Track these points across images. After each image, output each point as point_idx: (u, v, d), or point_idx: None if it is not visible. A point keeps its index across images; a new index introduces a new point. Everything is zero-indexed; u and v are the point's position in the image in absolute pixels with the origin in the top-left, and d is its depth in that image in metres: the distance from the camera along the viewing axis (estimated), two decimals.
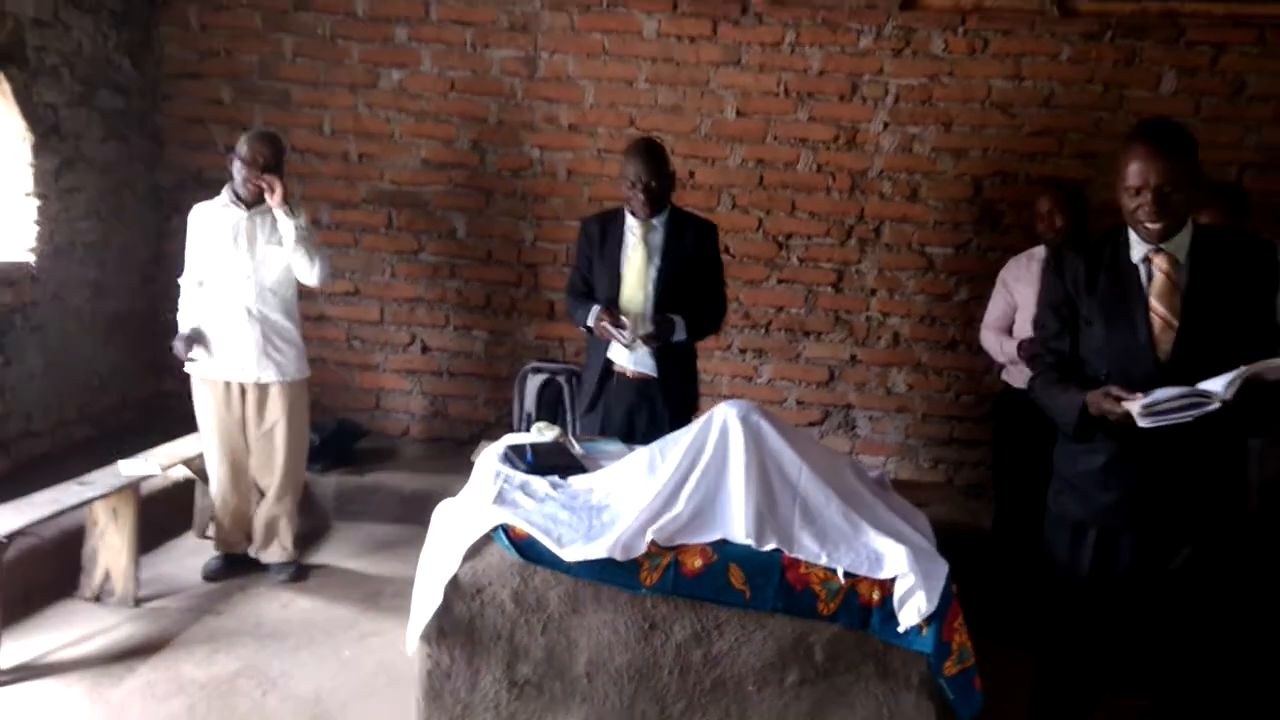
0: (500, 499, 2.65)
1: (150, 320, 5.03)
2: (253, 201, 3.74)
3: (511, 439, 3.21)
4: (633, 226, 3.49)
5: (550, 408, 4.68)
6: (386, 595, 3.80)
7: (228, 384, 3.78)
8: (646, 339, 3.36)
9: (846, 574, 2.41)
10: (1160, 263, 2.39)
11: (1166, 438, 2.27)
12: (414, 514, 4.28)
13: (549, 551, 2.45)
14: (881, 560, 2.44)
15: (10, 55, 3.98)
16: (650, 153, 3.44)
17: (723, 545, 2.48)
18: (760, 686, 2.43)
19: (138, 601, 3.59)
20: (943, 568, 2.42)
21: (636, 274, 3.45)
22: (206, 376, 3.79)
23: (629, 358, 3.48)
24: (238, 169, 3.68)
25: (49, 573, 3.57)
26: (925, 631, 2.35)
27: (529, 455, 2.94)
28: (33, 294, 4.20)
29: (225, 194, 3.77)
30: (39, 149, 4.18)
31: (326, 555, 4.21)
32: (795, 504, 2.57)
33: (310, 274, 3.75)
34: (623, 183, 3.47)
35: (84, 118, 4.49)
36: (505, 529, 2.51)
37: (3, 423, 4.07)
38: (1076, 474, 2.55)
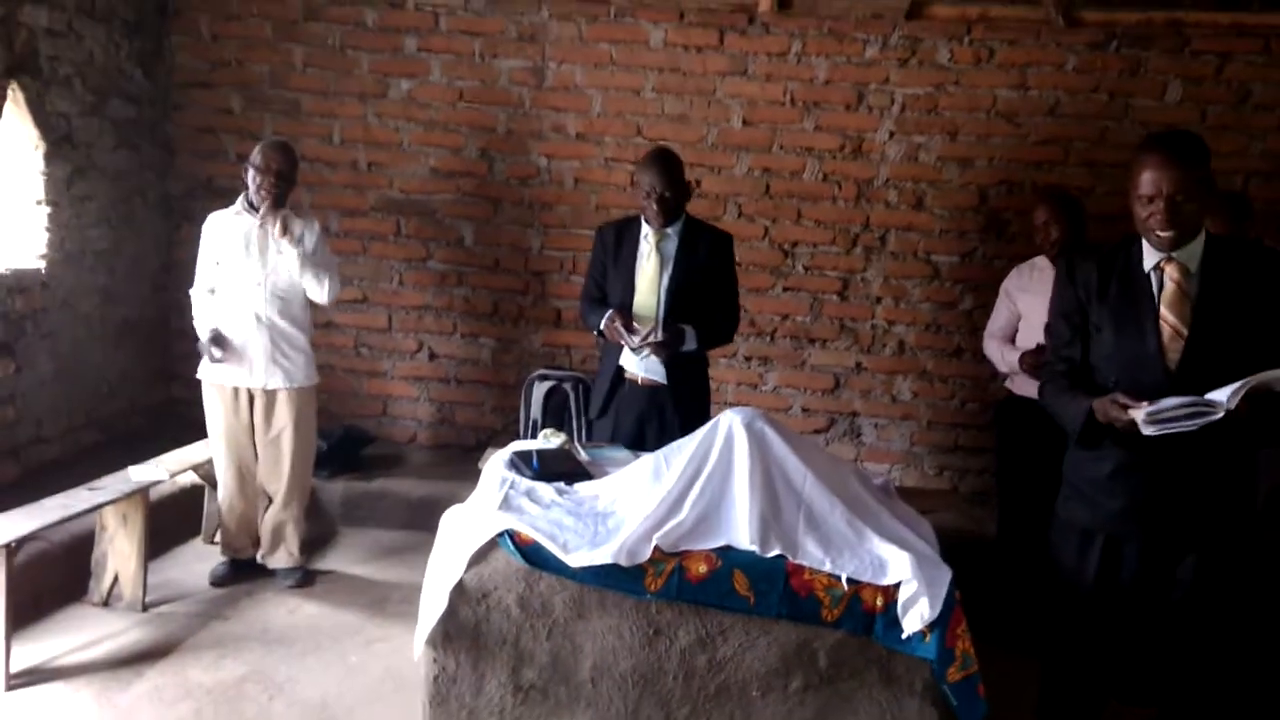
0: (506, 505, 2.67)
1: (160, 327, 5.08)
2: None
3: (518, 445, 3.23)
4: (647, 235, 3.52)
5: (556, 415, 4.70)
6: (393, 601, 3.82)
7: (236, 390, 3.80)
8: (655, 348, 3.37)
9: (850, 580, 2.43)
10: (1171, 271, 2.41)
11: (1173, 445, 2.28)
12: (421, 520, 4.28)
13: (554, 557, 2.47)
14: (885, 567, 2.45)
15: (24, 65, 4.02)
16: (666, 163, 3.46)
17: (727, 551, 2.50)
18: (764, 692, 2.44)
19: (146, 606, 3.61)
20: (946, 574, 2.43)
21: (649, 282, 3.48)
22: (215, 382, 3.82)
23: (639, 364, 3.49)
24: (252, 177, 3.72)
25: (58, 577, 3.59)
26: (929, 638, 2.36)
27: (535, 462, 2.96)
28: (43, 301, 4.24)
29: (239, 202, 3.81)
30: (51, 157, 4.23)
31: (333, 561, 4.23)
32: (800, 510, 2.59)
33: (320, 294, 3.81)
34: (638, 192, 3.50)
35: (96, 126, 4.53)
36: (511, 534, 2.53)
37: (13, 429, 4.11)
38: (1084, 480, 2.56)
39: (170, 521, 4.13)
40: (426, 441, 5.22)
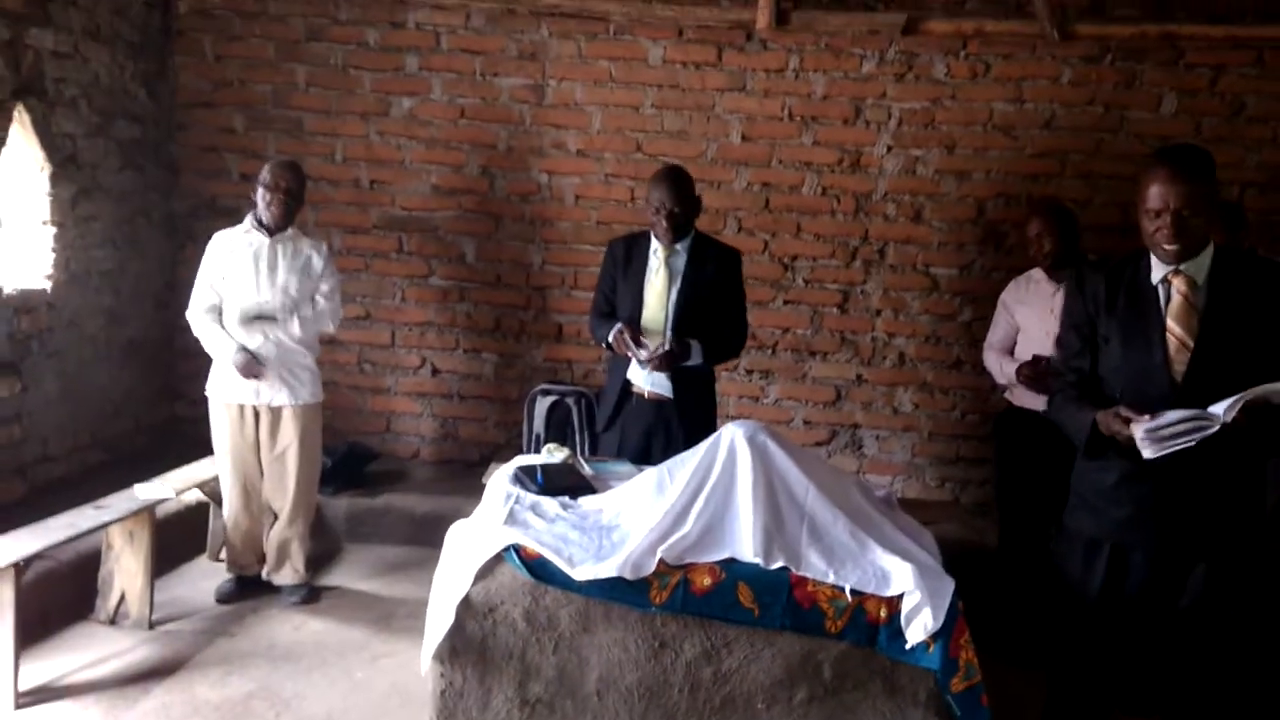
0: (511, 519, 2.69)
1: (164, 347, 5.10)
2: (275, 228, 3.81)
3: (522, 460, 3.25)
4: (657, 250, 3.56)
5: (559, 429, 4.73)
6: (398, 617, 3.83)
7: (242, 407, 3.83)
8: (659, 359, 3.40)
9: (854, 592, 2.45)
10: (1179, 284, 2.43)
11: (1178, 454, 2.29)
12: (425, 536, 4.31)
13: (560, 571, 2.49)
14: (888, 578, 2.47)
15: (30, 87, 4.06)
16: (676, 180, 3.50)
17: (731, 564, 2.52)
18: (769, 704, 2.46)
19: (152, 624, 3.63)
20: (949, 585, 2.45)
21: (658, 296, 3.51)
22: (222, 399, 3.84)
23: (646, 378, 3.52)
24: (261, 195, 3.77)
25: (65, 596, 3.61)
26: (932, 648, 2.38)
27: (539, 476, 2.98)
28: (49, 321, 4.27)
29: (248, 221, 3.85)
30: (57, 178, 4.26)
31: (338, 577, 4.24)
32: (803, 522, 2.61)
33: (330, 328, 4.02)
34: (648, 208, 3.54)
35: (101, 147, 4.57)
36: (517, 549, 2.55)
37: (19, 447, 4.13)
38: (1090, 490, 2.58)
39: (176, 539, 4.15)
40: (430, 457, 5.24)
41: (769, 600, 2.45)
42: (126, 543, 3.63)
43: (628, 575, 2.46)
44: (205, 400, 3.94)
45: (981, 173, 4.82)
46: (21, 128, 4.07)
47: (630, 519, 2.70)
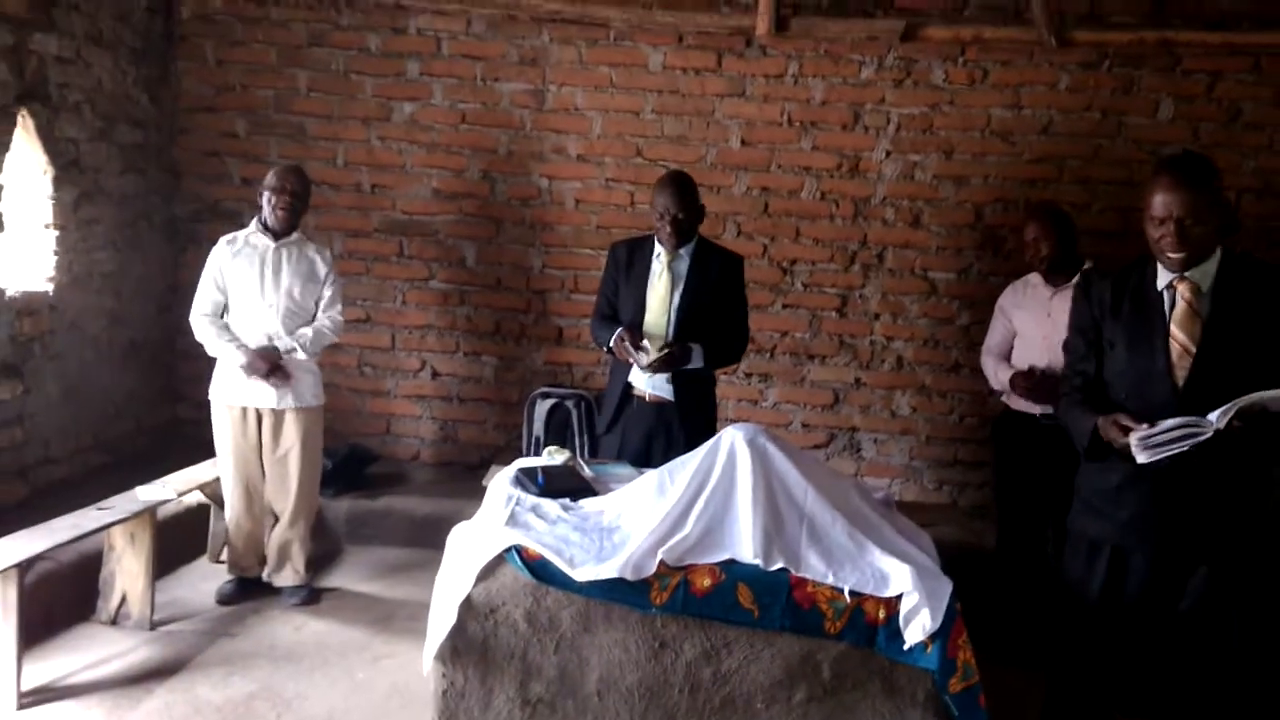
0: (513, 521, 2.71)
1: (165, 349, 5.12)
2: (281, 232, 3.84)
3: (523, 463, 3.27)
4: (660, 254, 3.58)
5: (559, 432, 4.75)
6: (399, 618, 3.85)
7: (244, 409, 3.85)
8: (659, 362, 3.41)
9: (852, 593, 2.47)
10: (1183, 290, 2.45)
11: (1181, 458, 2.31)
12: (425, 538, 4.32)
13: (561, 572, 2.51)
14: (887, 579, 2.49)
15: (34, 92, 4.09)
16: (680, 186, 3.53)
17: (731, 565, 2.54)
18: (769, 704, 2.48)
19: (154, 625, 3.64)
20: (946, 586, 2.47)
21: (660, 300, 3.54)
22: (225, 401, 3.86)
23: (647, 381, 3.54)
24: (267, 198, 3.80)
25: (66, 597, 3.62)
26: (930, 649, 2.40)
27: (540, 478, 3.00)
28: (51, 323, 4.29)
29: (253, 224, 3.88)
30: (59, 182, 4.29)
31: (338, 579, 4.26)
32: (802, 524, 2.63)
33: (332, 342, 4.09)
34: (652, 214, 3.56)
35: (103, 152, 4.59)
36: (518, 550, 2.56)
37: (21, 449, 4.14)
38: (1093, 492, 2.60)
39: (176, 541, 4.16)
40: (430, 459, 5.26)
41: (768, 601, 2.47)
42: (128, 544, 3.64)
43: (628, 576, 2.48)
44: (207, 403, 3.96)
45: (980, 178, 4.84)
46: (25, 132, 4.10)
47: (631, 521, 2.72)
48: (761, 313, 4.96)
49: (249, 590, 3.97)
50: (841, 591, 2.47)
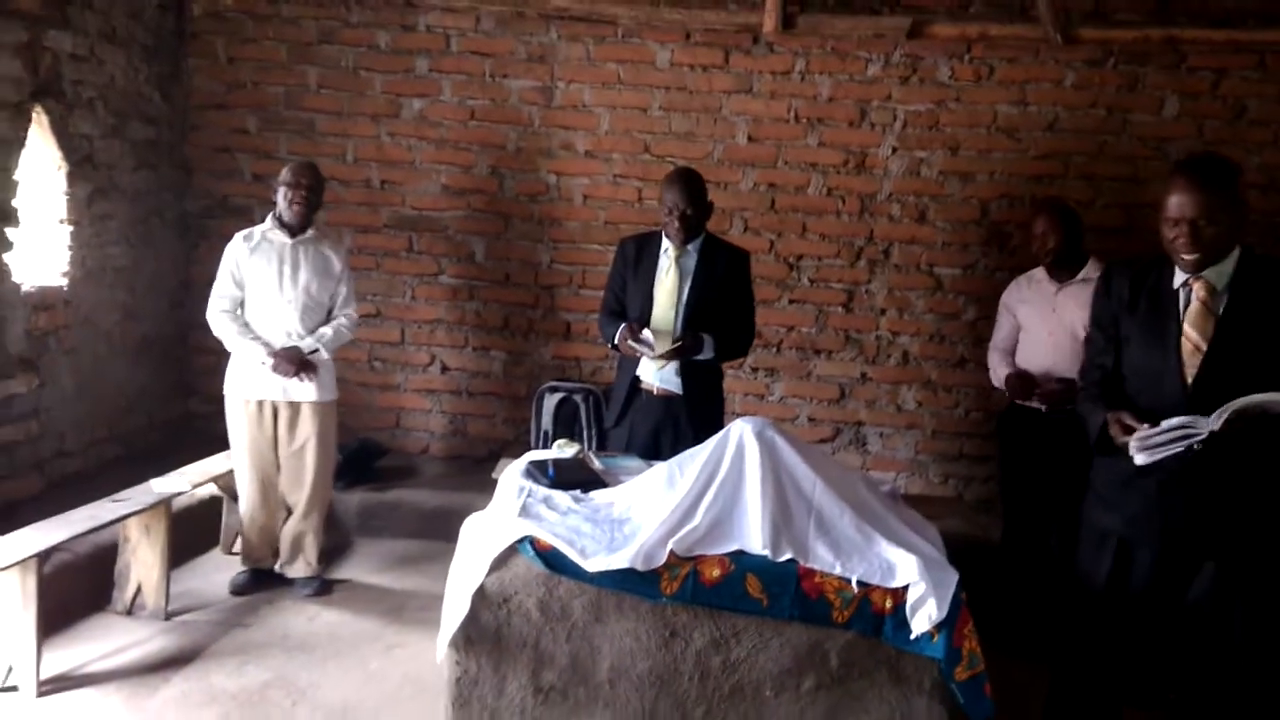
0: (525, 512, 2.75)
1: (177, 343, 5.17)
2: (297, 227, 3.88)
3: (534, 455, 3.31)
4: (667, 249, 3.61)
5: (567, 425, 4.79)
6: (410, 609, 3.89)
7: (260, 403, 3.89)
8: (671, 352, 3.45)
9: (860, 583, 2.50)
10: (1198, 289, 2.46)
11: (1188, 455, 2.33)
12: (435, 530, 4.38)
13: (573, 562, 2.55)
14: (894, 569, 2.53)
15: (48, 89, 4.13)
16: (688, 182, 3.56)
17: (740, 556, 2.58)
18: (777, 692, 2.51)
19: (169, 615, 3.69)
20: (953, 576, 2.51)
21: (668, 295, 3.57)
22: (241, 395, 3.90)
23: (655, 375, 3.58)
24: (283, 194, 3.85)
25: (82, 588, 3.67)
26: (936, 638, 2.43)
27: (551, 471, 3.04)
28: (66, 318, 4.33)
29: (269, 220, 3.92)
30: (73, 178, 4.33)
31: (349, 570, 4.30)
32: (810, 516, 2.66)
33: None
34: (661, 209, 3.60)
35: (116, 148, 4.64)
36: (531, 540, 2.61)
37: (37, 443, 4.19)
38: (1103, 484, 2.64)
39: (190, 533, 4.21)
40: (439, 453, 5.30)
41: (777, 591, 2.50)
42: (143, 535, 3.69)
43: (639, 566, 2.52)
44: (218, 397, 4.01)
45: (985, 174, 4.87)
46: (40, 129, 4.14)
47: (641, 512, 2.76)
48: (768, 308, 4.99)
49: (262, 581, 4.01)
50: (849, 581, 2.50)
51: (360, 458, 4.84)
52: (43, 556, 3.16)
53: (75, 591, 3.62)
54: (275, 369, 3.80)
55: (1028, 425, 3.81)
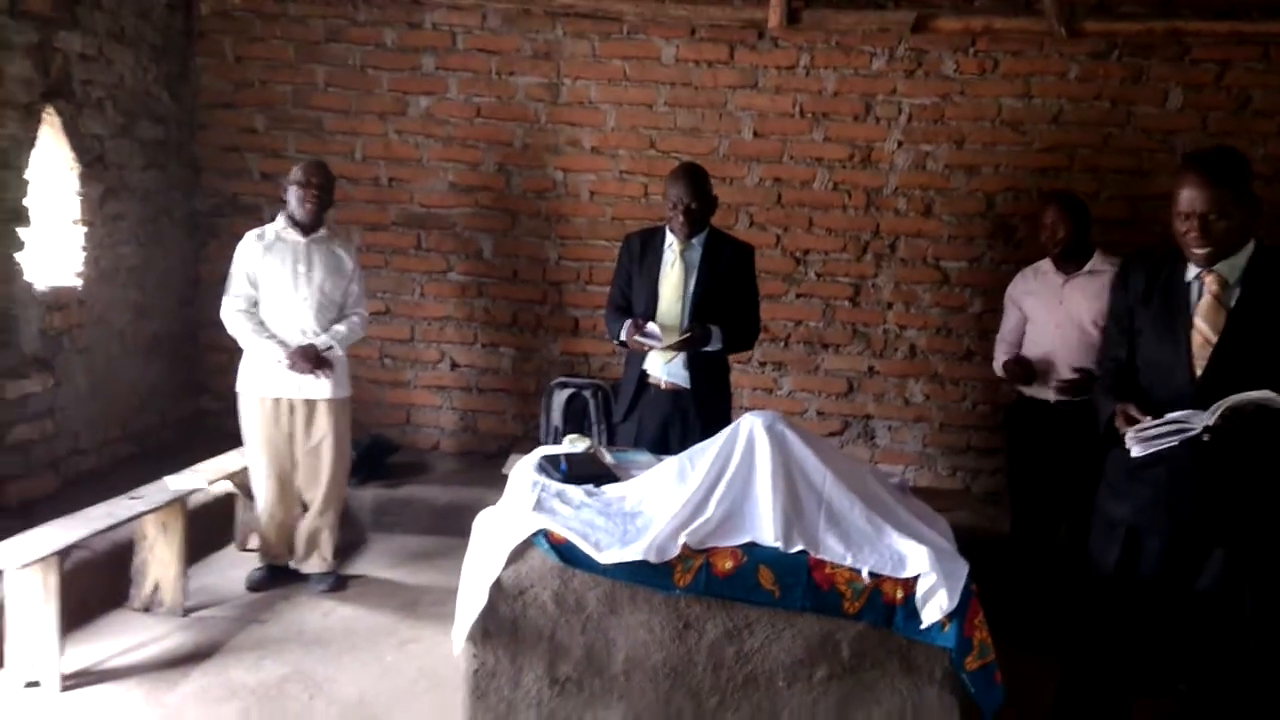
0: (539, 506, 2.79)
1: (188, 342, 5.21)
2: (309, 225, 3.92)
3: (545, 450, 3.34)
4: (672, 244, 3.64)
5: (576, 421, 4.83)
6: (424, 603, 3.93)
7: (276, 400, 3.93)
8: (679, 343, 3.47)
9: (871, 574, 2.53)
10: (1210, 282, 2.48)
11: (1196, 443, 2.35)
12: (447, 525, 4.42)
13: (587, 555, 2.58)
14: (904, 560, 2.56)
15: (59, 90, 4.16)
16: (693, 177, 3.59)
17: (752, 548, 2.60)
18: (790, 682, 2.55)
19: (186, 611, 3.74)
20: (963, 567, 2.53)
21: (673, 289, 3.59)
22: (256, 393, 3.94)
23: (663, 369, 3.61)
24: (294, 193, 3.88)
25: (101, 584, 3.71)
26: (947, 628, 2.46)
27: (563, 465, 3.07)
28: (80, 317, 4.37)
29: (281, 219, 3.95)
30: (85, 178, 4.36)
31: (364, 566, 4.35)
32: (820, 508, 2.69)
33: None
34: (666, 204, 3.62)
35: (126, 148, 4.67)
36: (545, 534, 2.64)
37: (52, 441, 4.22)
38: (1115, 472, 2.66)
39: (204, 530, 4.25)
40: (450, 449, 5.34)
41: (789, 582, 2.53)
42: (160, 532, 3.73)
43: (652, 559, 2.55)
44: (229, 395, 4.05)
45: (990, 167, 4.89)
46: (51, 129, 4.17)
47: (653, 505, 2.79)
48: (775, 302, 5.02)
49: (278, 577, 4.05)
50: (860, 573, 2.53)
51: (372, 454, 4.88)
52: (63, 554, 3.20)
53: (94, 588, 3.67)
54: (292, 367, 3.83)
55: (1035, 417, 3.83)
